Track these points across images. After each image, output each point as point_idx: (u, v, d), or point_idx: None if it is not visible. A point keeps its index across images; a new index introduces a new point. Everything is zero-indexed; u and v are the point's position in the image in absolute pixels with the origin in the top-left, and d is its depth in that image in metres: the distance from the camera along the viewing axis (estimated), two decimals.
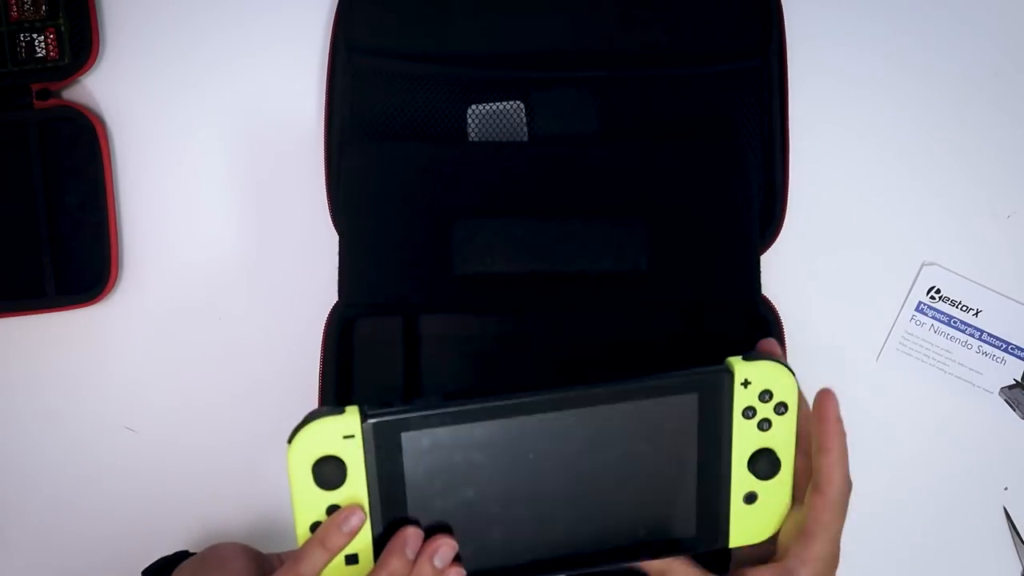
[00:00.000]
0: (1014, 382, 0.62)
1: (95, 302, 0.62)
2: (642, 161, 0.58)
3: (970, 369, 0.63)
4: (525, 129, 0.60)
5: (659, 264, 0.56)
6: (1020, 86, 0.62)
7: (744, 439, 0.48)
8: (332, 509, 0.46)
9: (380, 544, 0.46)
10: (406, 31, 0.60)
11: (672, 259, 0.56)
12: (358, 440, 0.45)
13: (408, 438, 0.46)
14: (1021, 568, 0.62)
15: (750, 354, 0.48)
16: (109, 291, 0.62)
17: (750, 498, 0.50)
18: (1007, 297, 0.62)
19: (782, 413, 0.48)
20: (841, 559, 0.62)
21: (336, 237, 0.59)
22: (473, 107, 0.59)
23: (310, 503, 0.46)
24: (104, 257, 0.62)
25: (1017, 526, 0.62)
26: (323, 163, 0.60)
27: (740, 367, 0.47)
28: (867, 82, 0.62)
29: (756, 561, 0.50)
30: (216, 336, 0.63)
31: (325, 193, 0.60)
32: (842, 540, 0.62)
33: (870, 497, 0.62)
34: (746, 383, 0.47)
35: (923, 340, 0.63)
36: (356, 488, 0.46)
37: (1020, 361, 0.62)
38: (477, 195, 0.57)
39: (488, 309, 0.57)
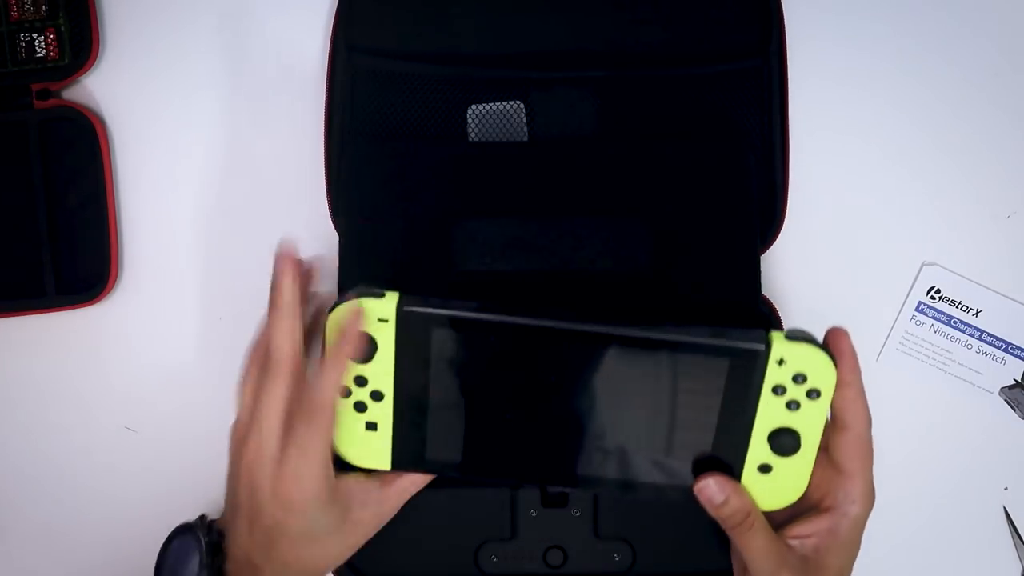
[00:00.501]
0: (1014, 382, 0.62)
1: (95, 302, 0.62)
2: (642, 161, 0.58)
3: (970, 369, 0.63)
4: (525, 129, 0.60)
5: (659, 264, 0.56)
6: (1020, 86, 0.62)
7: (769, 414, 0.48)
8: (359, 380, 0.50)
9: (397, 422, 0.50)
10: (406, 31, 0.60)
11: (672, 259, 0.56)
12: (391, 325, 0.48)
13: (438, 334, 0.48)
14: (1021, 568, 0.62)
15: (793, 331, 0.47)
16: (109, 291, 0.62)
17: (764, 468, 0.50)
18: (1007, 297, 0.62)
19: (814, 398, 0.48)
20: None
21: (336, 237, 0.59)
22: (473, 107, 0.59)
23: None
24: (104, 257, 0.62)
25: (1017, 526, 0.62)
26: (323, 163, 0.60)
27: (779, 345, 0.47)
28: (867, 82, 0.62)
29: (787, 521, 0.51)
30: (216, 336, 0.63)
31: (325, 193, 0.60)
32: None
33: None
34: (781, 362, 0.47)
35: (923, 340, 0.63)
36: (383, 367, 0.49)
37: (1020, 361, 0.62)
38: (477, 195, 0.57)
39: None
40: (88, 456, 0.63)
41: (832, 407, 0.48)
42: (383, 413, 0.50)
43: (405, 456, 0.52)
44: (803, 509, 0.51)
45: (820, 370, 0.47)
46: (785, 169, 0.60)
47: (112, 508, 0.61)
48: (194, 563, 0.52)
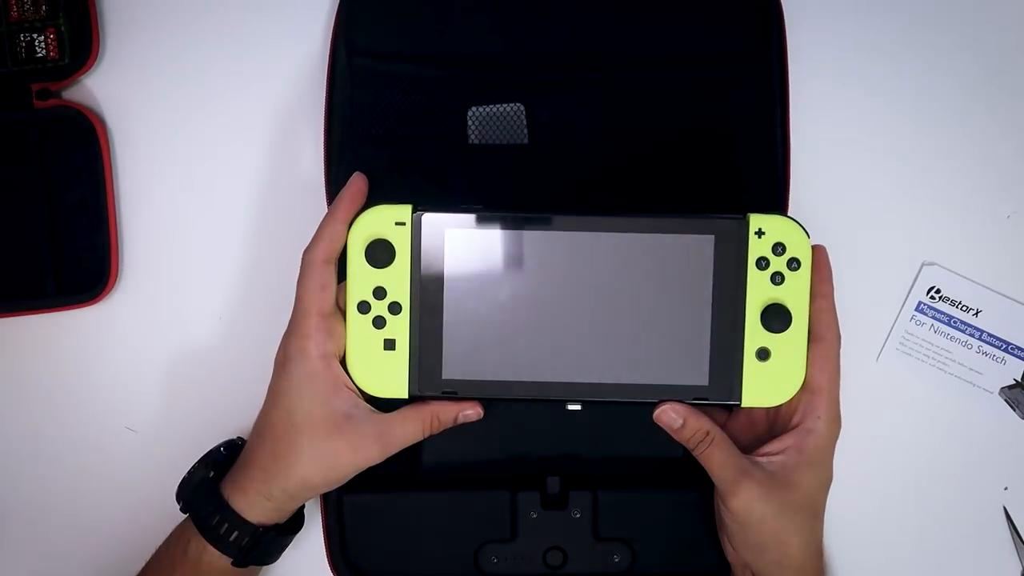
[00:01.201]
0: (1014, 382, 0.62)
1: (95, 302, 0.62)
2: (642, 163, 0.58)
3: (970, 369, 0.63)
4: (525, 131, 0.60)
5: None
6: (1020, 86, 0.62)
7: (757, 290, 0.52)
8: (378, 291, 0.53)
9: (414, 336, 0.53)
10: (406, 33, 0.60)
11: None
12: (407, 228, 0.52)
13: (452, 235, 0.52)
14: (1021, 568, 0.62)
15: (768, 210, 0.52)
16: (109, 291, 0.62)
17: (763, 354, 0.53)
18: (1007, 297, 0.62)
19: (795, 269, 0.52)
20: (841, 559, 0.62)
21: None
22: (473, 109, 0.59)
23: (361, 278, 0.53)
24: (104, 257, 0.62)
25: (1017, 526, 0.62)
26: (323, 163, 0.60)
27: (755, 217, 0.51)
28: (868, 83, 0.62)
29: (757, 444, 0.54)
30: (216, 336, 0.63)
31: (325, 193, 0.60)
32: (841, 540, 0.62)
33: (870, 497, 0.62)
34: (760, 232, 0.51)
35: (923, 340, 0.63)
36: (401, 271, 0.53)
37: (1020, 361, 0.62)
38: (477, 198, 0.57)
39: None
40: (88, 456, 0.63)
41: (811, 317, 0.52)
42: (401, 327, 0.53)
43: (423, 378, 0.54)
44: (774, 433, 0.54)
45: (796, 239, 0.52)
46: (785, 169, 0.60)
47: (112, 508, 0.61)
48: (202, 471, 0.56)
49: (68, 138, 0.62)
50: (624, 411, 0.55)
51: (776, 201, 0.60)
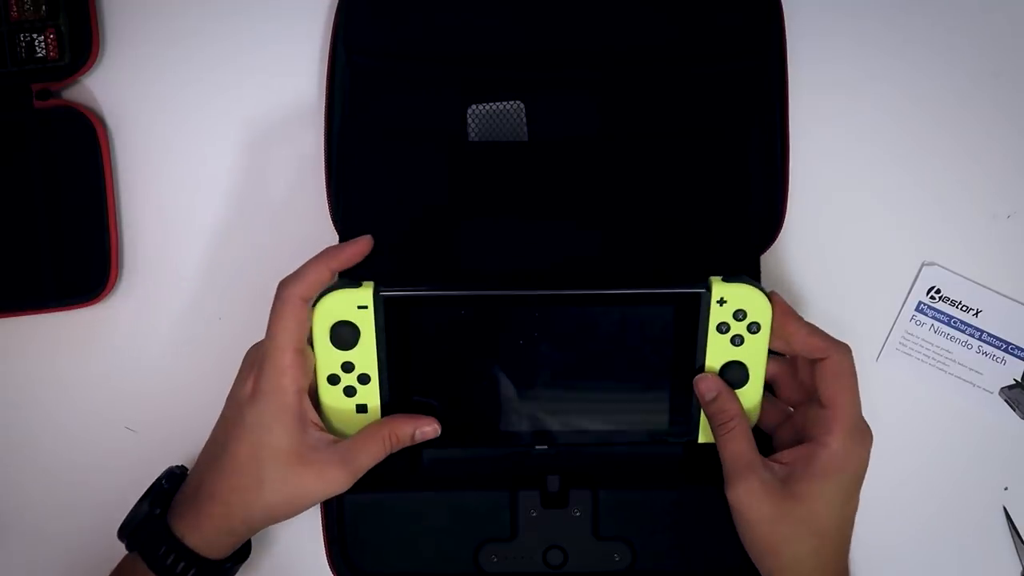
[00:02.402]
0: (1014, 382, 0.62)
1: (95, 302, 0.62)
2: (642, 161, 0.58)
3: (970, 369, 0.63)
4: (525, 129, 0.60)
5: (659, 263, 0.56)
6: (1020, 86, 0.62)
7: (717, 351, 0.54)
8: (346, 365, 0.54)
9: (384, 401, 0.54)
10: (406, 31, 0.60)
11: (672, 258, 0.57)
12: (371, 310, 0.53)
13: (416, 313, 0.53)
14: (1021, 568, 0.62)
15: (730, 276, 0.53)
16: (109, 291, 0.62)
17: None
18: (1007, 297, 0.62)
19: (755, 332, 0.53)
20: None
21: (336, 237, 0.59)
22: (473, 107, 0.59)
23: (327, 359, 0.54)
24: (104, 257, 0.62)
25: (1017, 526, 0.62)
26: (323, 163, 0.60)
27: (717, 287, 0.53)
28: (867, 82, 0.62)
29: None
30: (216, 336, 0.63)
31: (325, 193, 0.60)
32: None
33: (870, 497, 0.62)
34: (722, 301, 0.53)
35: (923, 340, 0.63)
36: (367, 348, 0.54)
37: (1020, 361, 0.62)
38: (477, 195, 0.57)
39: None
40: (88, 456, 0.63)
41: (807, 346, 0.53)
42: (371, 394, 0.54)
43: None
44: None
45: (757, 304, 0.53)
46: (785, 169, 0.60)
47: (112, 508, 0.60)
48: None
49: (68, 138, 0.62)
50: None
51: (776, 201, 0.60)
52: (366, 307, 0.53)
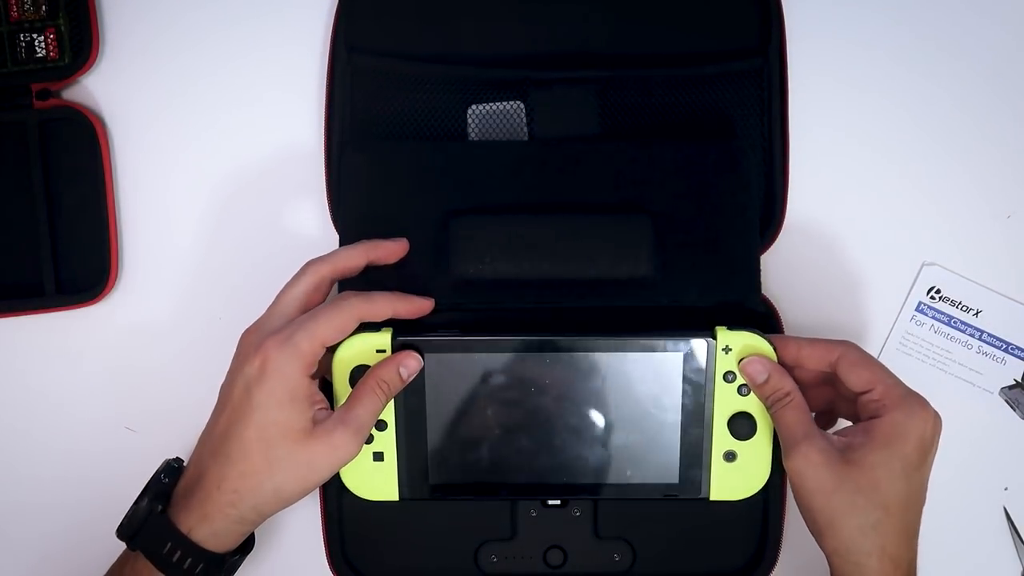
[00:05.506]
0: (1014, 382, 0.62)
1: (95, 302, 0.62)
2: (641, 161, 0.58)
3: (970, 369, 0.63)
4: (525, 129, 0.60)
5: (659, 263, 0.56)
6: (1020, 86, 0.62)
7: (724, 401, 0.54)
8: None
9: (400, 448, 0.55)
10: (406, 31, 0.60)
11: (672, 259, 0.57)
12: (387, 355, 0.53)
13: (431, 359, 0.54)
14: (1021, 568, 0.62)
15: (736, 326, 0.54)
16: (109, 291, 0.62)
17: (730, 456, 0.55)
18: (1007, 297, 0.62)
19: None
20: None
21: (336, 237, 0.59)
22: (473, 107, 0.59)
23: None
24: (104, 257, 0.62)
25: (1017, 526, 0.62)
26: (323, 163, 0.60)
27: (723, 334, 0.53)
28: (867, 82, 0.62)
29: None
30: (216, 336, 0.63)
31: (325, 193, 0.60)
32: None
33: None
34: (727, 349, 0.53)
35: (923, 340, 0.63)
36: None
37: (1020, 361, 0.62)
38: (477, 195, 0.57)
39: (487, 309, 0.57)
40: (88, 456, 0.63)
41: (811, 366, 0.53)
42: (388, 441, 0.55)
43: (412, 484, 0.56)
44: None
45: (761, 352, 0.53)
46: (785, 169, 0.60)
47: (112, 508, 0.60)
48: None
49: (68, 138, 0.62)
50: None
51: (776, 201, 0.60)
52: (384, 351, 0.54)
